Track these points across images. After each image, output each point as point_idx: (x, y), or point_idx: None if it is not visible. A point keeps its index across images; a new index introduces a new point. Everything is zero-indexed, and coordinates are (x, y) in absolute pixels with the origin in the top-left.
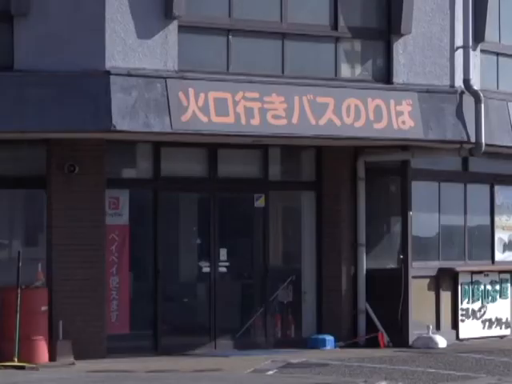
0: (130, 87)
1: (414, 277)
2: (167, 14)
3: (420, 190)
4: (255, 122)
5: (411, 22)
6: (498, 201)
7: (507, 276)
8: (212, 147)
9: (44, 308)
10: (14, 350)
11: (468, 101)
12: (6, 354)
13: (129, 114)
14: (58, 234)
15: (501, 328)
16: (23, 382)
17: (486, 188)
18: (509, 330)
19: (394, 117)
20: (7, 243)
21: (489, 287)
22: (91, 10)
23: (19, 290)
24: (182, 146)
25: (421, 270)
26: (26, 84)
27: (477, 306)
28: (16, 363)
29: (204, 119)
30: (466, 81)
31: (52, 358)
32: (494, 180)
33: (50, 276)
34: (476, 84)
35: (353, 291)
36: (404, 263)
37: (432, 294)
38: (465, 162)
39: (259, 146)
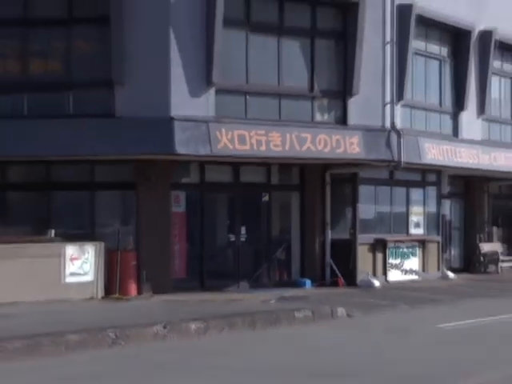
0: (185, 127)
1: (360, 244)
2: (208, 82)
3: (364, 190)
4: (263, 148)
5: (359, 86)
6: (411, 197)
7: (416, 243)
8: (236, 164)
9: (133, 263)
10: (116, 288)
11: (393, 136)
12: (111, 290)
13: (185, 144)
14: (143, 219)
15: (412, 275)
16: (124, 306)
17: (404, 189)
18: (417, 276)
19: (348, 145)
20: (112, 224)
21: (405, 250)
22: (162, 80)
23: (119, 252)
24: (217, 164)
25: (364, 239)
26: (122, 126)
27: (398, 261)
28: (117, 296)
29: (231, 147)
30: (392, 123)
31: (139, 293)
32: (408, 185)
33: (137, 244)
34: (398, 125)
35: (322, 252)
36: (353, 235)
37: (371, 254)
38: (391, 173)
39: (265, 164)
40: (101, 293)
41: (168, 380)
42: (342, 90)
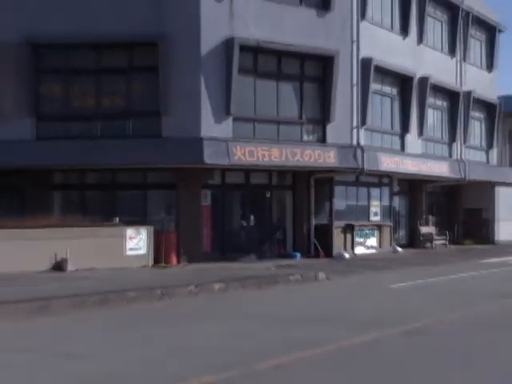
0: (211, 145)
1: (335, 227)
2: (227, 112)
3: (338, 189)
4: (266, 160)
5: (334, 116)
6: (371, 195)
7: (374, 227)
8: (247, 171)
9: (174, 241)
10: (162, 259)
11: (358, 151)
12: (158, 261)
13: (211, 157)
14: (181, 210)
15: (372, 249)
16: (167, 272)
17: (366, 189)
18: (375, 250)
19: (327, 158)
20: (159, 213)
21: (367, 231)
22: (195, 111)
23: (164, 233)
24: (234, 170)
25: (338, 224)
26: (167, 144)
27: (362, 240)
28: (163, 264)
29: (243, 159)
30: (358, 142)
31: (178, 262)
32: (369, 185)
33: (177, 227)
34: (362, 143)
35: (308, 233)
36: (330, 221)
37: (342, 235)
38: (357, 177)
39: (268, 171)
40: (151, 262)
41: (201, 323)
42: (322, 118)
